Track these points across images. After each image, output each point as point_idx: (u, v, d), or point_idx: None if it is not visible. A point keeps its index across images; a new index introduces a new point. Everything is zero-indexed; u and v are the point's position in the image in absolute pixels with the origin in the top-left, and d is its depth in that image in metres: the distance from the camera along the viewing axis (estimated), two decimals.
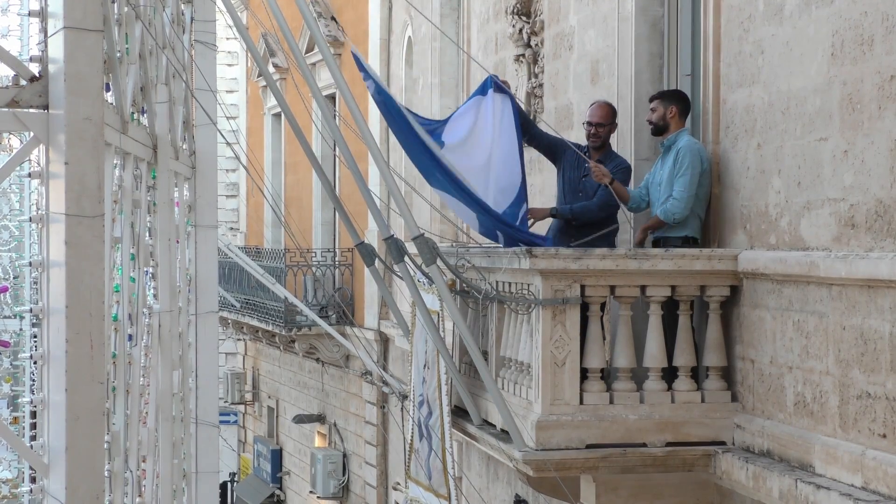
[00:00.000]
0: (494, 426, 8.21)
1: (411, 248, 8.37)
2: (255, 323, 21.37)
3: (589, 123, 8.92)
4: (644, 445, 7.50)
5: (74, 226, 3.56)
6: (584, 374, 7.53)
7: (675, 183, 7.92)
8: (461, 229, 12.40)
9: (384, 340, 17.51)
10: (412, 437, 9.56)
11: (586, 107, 9.95)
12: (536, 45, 11.15)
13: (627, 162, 8.91)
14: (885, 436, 6.13)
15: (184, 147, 7.03)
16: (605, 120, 8.86)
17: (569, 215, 8.79)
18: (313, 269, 19.68)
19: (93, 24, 3.65)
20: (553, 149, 9.22)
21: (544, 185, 10.31)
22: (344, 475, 19.66)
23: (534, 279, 7.58)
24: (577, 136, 9.63)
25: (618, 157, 8.95)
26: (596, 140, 8.85)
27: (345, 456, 19.71)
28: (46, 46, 3.70)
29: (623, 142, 9.29)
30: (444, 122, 9.20)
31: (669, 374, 7.64)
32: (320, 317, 16.90)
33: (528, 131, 9.25)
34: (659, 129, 8.28)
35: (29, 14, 4.23)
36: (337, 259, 19.78)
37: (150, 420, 5.92)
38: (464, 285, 8.49)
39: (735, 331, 7.63)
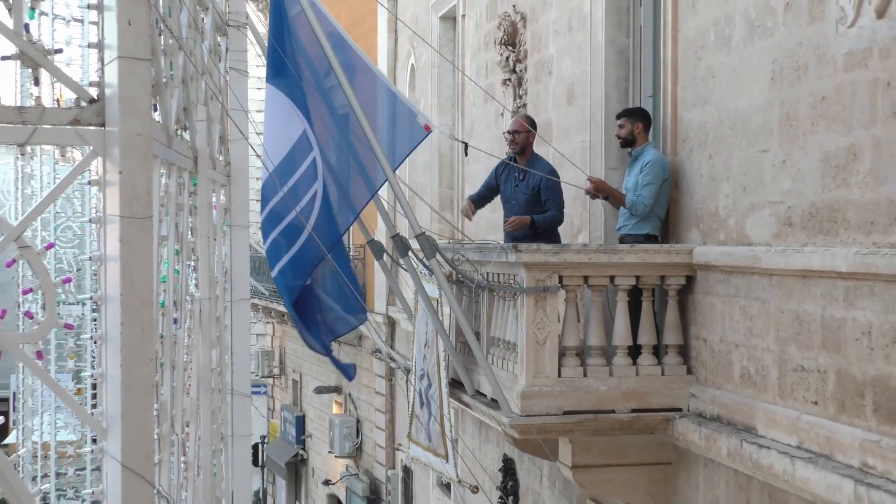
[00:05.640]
0: (485, 396, 8.22)
1: (414, 244, 8.37)
2: (281, 308, 21.38)
3: (508, 132, 9.07)
4: (613, 412, 7.51)
5: (127, 226, 3.55)
6: (562, 351, 7.55)
7: (643, 189, 7.95)
8: (457, 229, 12.39)
9: (391, 323, 17.52)
10: (413, 405, 9.56)
11: (565, 123, 9.98)
12: (521, 70, 11.16)
13: (552, 166, 9.02)
14: (816, 403, 6.14)
15: (220, 158, 7.02)
16: (519, 128, 9.00)
17: (542, 224, 8.88)
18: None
19: (142, 53, 3.64)
20: (495, 182, 9.32)
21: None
22: (357, 437, 19.67)
23: (519, 270, 7.58)
24: (558, 147, 9.65)
25: (542, 162, 9.05)
26: (514, 146, 9.01)
27: (358, 421, 19.72)
28: (103, 73, 3.69)
29: (594, 153, 9.31)
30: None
31: (634, 352, 7.65)
32: None
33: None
34: (627, 143, 8.30)
35: (89, 45, 4.22)
36: (351, 253, 19.77)
37: (193, 391, 5.92)
38: (459, 276, 8.49)
39: (690, 314, 7.64)
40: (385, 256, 9.40)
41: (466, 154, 9.60)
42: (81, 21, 18.27)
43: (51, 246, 15.74)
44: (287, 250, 8.07)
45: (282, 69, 8.06)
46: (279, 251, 8.12)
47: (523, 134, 8.96)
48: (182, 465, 5.62)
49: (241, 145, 7.43)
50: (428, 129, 8.35)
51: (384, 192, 11.74)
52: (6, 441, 22.87)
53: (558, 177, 8.97)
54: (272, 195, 8.05)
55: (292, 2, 8.05)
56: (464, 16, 13.37)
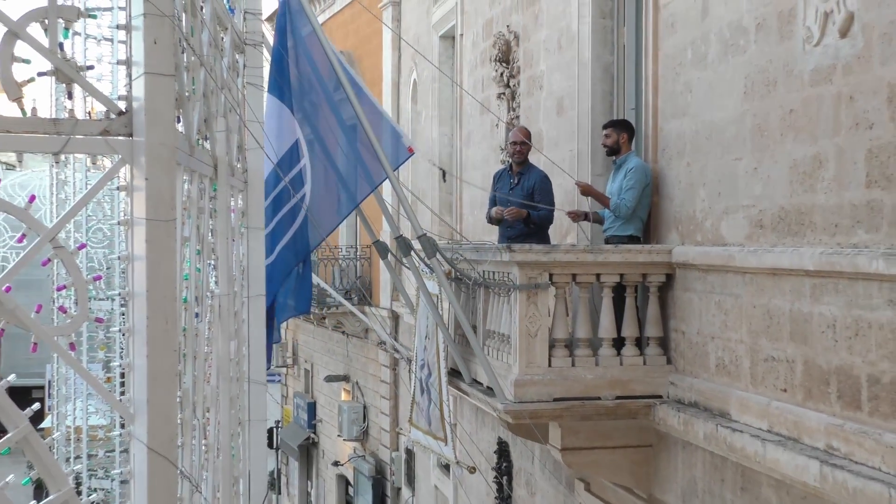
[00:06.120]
0: (482, 384, 8.22)
1: (416, 244, 8.37)
2: None
3: (513, 143, 9.09)
4: (598, 399, 7.52)
5: (153, 228, 3.54)
6: (552, 342, 7.55)
7: (626, 193, 7.95)
8: (456, 231, 12.38)
9: (395, 317, 17.52)
10: (414, 392, 9.56)
11: (555, 133, 9.97)
12: (514, 85, 11.15)
13: (544, 172, 9.08)
14: (785, 390, 6.14)
15: (238, 166, 7.00)
16: (527, 138, 9.06)
17: (537, 220, 8.90)
18: (340, 261, 19.67)
19: (167, 70, 3.63)
20: (494, 193, 9.37)
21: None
22: (364, 422, 19.68)
23: (512, 269, 7.58)
24: (549, 155, 9.63)
25: (536, 169, 9.11)
26: (520, 155, 9.05)
27: (365, 407, 19.72)
28: (131, 88, 3.68)
29: (582, 161, 9.30)
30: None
31: (618, 343, 7.66)
32: (345, 299, 16.91)
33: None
34: (612, 151, 8.31)
35: (118, 62, 4.21)
36: (358, 253, 19.77)
37: (213, 379, 5.90)
38: (458, 274, 8.49)
39: (670, 309, 7.64)
40: (389, 256, 9.41)
41: (445, 180, 9.63)
42: (111, 40, 18.29)
43: (83, 246, 15.74)
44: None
45: (282, 82, 8.09)
46: None
47: (527, 144, 9.02)
48: (203, 447, 5.61)
49: (257, 154, 7.42)
50: (411, 151, 8.45)
51: (388, 197, 11.74)
52: (42, 425, 22.88)
53: (550, 182, 9.00)
54: None
55: (303, 22, 8.06)
56: (462, 35, 13.37)
